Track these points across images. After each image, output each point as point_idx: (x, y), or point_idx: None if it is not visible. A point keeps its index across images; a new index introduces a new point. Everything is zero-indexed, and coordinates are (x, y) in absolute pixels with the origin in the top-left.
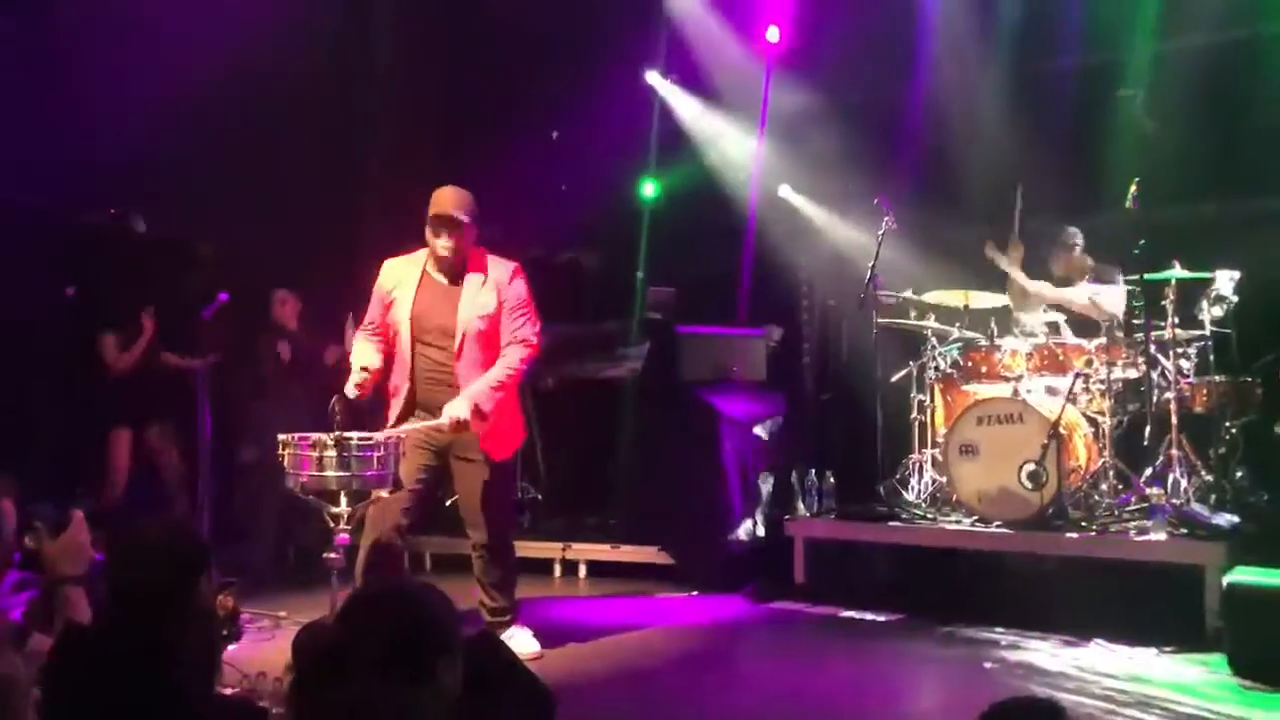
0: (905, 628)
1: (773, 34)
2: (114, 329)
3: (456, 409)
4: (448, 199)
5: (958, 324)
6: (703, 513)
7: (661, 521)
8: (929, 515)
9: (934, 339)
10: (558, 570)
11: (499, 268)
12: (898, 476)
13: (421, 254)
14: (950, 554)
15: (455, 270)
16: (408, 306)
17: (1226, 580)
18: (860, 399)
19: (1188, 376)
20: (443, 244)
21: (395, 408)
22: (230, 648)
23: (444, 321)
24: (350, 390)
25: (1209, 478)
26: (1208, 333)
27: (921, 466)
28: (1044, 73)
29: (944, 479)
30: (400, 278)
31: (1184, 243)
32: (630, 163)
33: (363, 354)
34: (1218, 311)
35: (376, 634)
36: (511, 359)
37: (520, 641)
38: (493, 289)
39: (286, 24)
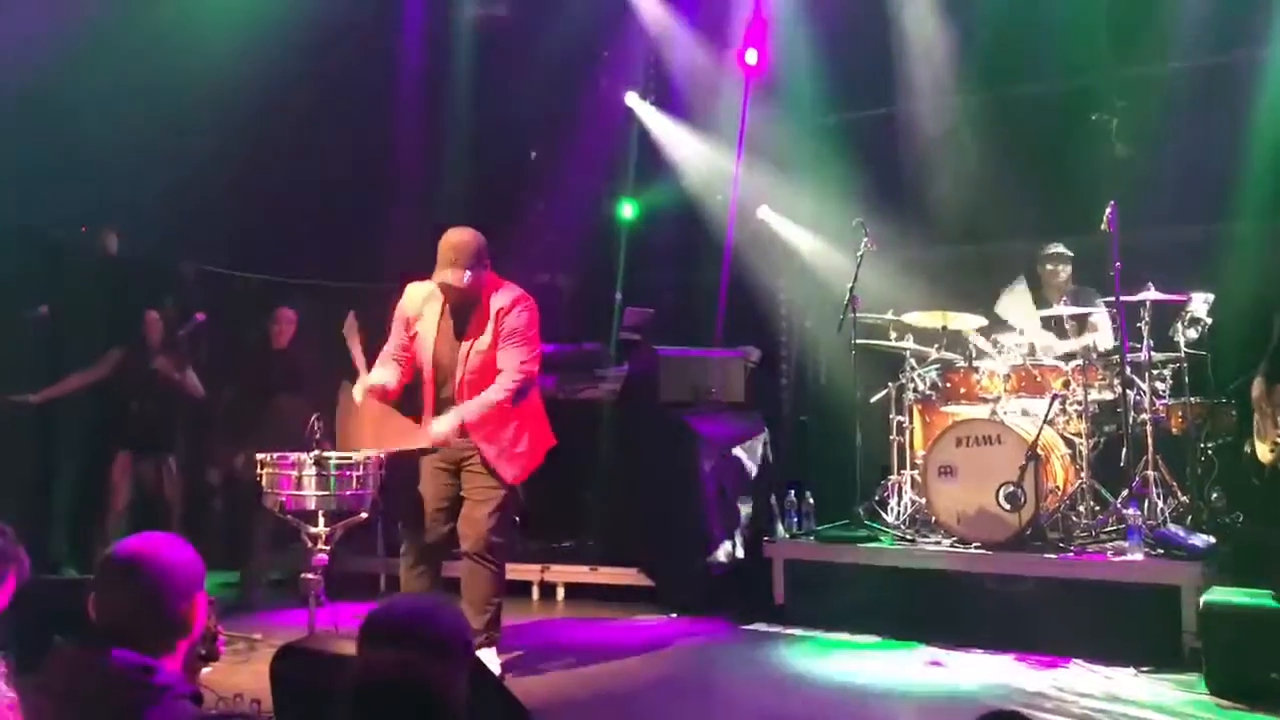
0: (885, 649)
1: (751, 56)
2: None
3: (439, 424)
4: (450, 255)
5: (936, 345)
6: (681, 534)
7: (640, 543)
8: (908, 536)
9: (912, 360)
10: (536, 593)
11: (503, 297)
12: (877, 498)
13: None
14: (929, 575)
15: (467, 304)
16: (430, 348)
17: (1203, 600)
18: (839, 420)
19: (1163, 398)
20: (454, 296)
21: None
22: (206, 669)
23: (454, 357)
24: (357, 393)
25: (1185, 499)
26: (1182, 355)
27: (900, 488)
28: (1020, 96)
29: (923, 500)
30: (423, 309)
31: (1159, 265)
32: (608, 183)
33: (380, 376)
34: (1192, 334)
35: (398, 650)
36: (504, 380)
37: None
38: (494, 318)
39: (279, 52)
